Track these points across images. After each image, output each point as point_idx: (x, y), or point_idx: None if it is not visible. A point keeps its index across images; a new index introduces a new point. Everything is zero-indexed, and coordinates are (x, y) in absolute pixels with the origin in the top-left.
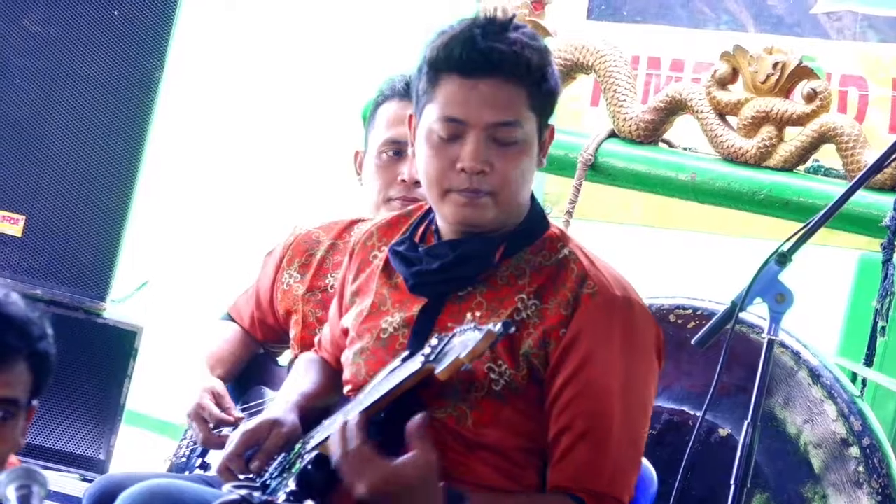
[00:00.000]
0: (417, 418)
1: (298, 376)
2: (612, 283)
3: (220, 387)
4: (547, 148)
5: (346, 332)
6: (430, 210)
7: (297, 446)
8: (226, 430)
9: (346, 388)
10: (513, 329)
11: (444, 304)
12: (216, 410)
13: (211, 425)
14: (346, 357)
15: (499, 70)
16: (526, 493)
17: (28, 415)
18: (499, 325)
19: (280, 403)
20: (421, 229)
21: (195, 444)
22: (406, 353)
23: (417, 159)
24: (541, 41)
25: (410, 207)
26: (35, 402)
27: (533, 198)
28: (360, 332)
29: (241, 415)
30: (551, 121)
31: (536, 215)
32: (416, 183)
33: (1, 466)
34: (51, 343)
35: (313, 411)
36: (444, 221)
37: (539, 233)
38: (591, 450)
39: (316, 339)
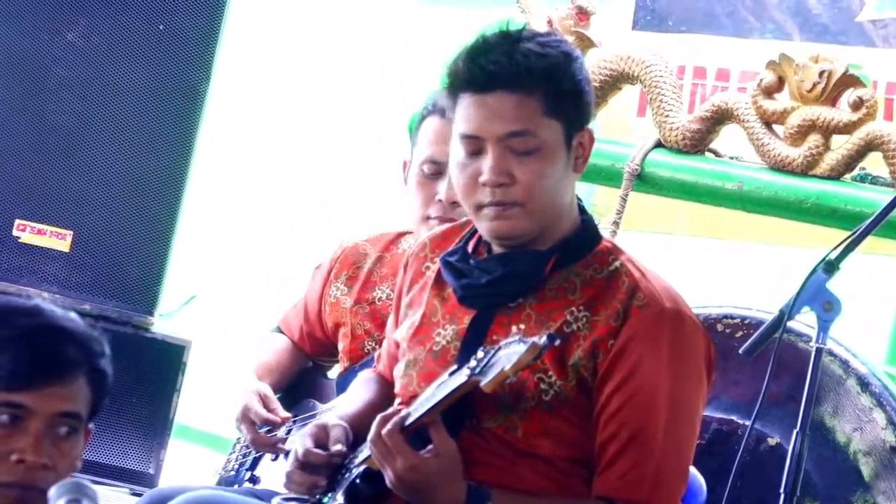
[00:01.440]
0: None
1: (348, 396)
2: (663, 295)
3: (267, 389)
4: (584, 153)
5: (398, 345)
6: None
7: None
8: (281, 431)
9: (396, 402)
10: (557, 342)
11: (493, 316)
12: (262, 411)
13: (259, 426)
14: (399, 370)
15: (502, 82)
16: (559, 497)
17: (85, 436)
18: (543, 338)
19: (327, 416)
20: (473, 241)
21: (244, 457)
22: (454, 367)
23: (451, 178)
24: (559, 47)
25: (465, 219)
26: (91, 425)
27: (584, 210)
28: (411, 344)
29: (287, 414)
30: (592, 126)
31: (588, 229)
32: (454, 203)
33: None
34: (109, 363)
35: (360, 428)
36: (484, 237)
37: (590, 247)
38: (634, 459)
39: (375, 355)
